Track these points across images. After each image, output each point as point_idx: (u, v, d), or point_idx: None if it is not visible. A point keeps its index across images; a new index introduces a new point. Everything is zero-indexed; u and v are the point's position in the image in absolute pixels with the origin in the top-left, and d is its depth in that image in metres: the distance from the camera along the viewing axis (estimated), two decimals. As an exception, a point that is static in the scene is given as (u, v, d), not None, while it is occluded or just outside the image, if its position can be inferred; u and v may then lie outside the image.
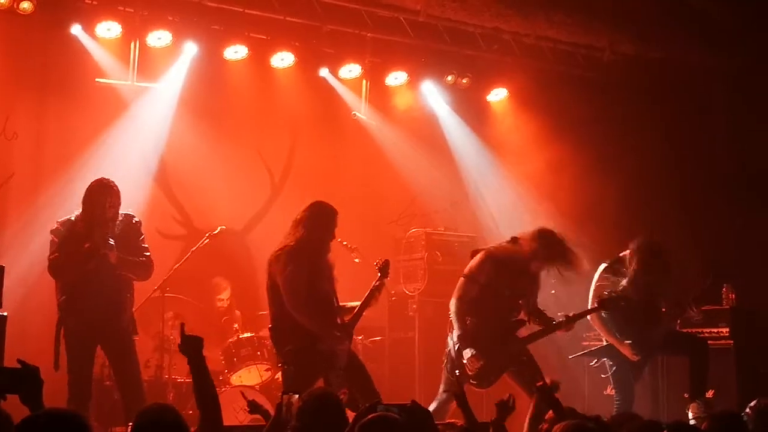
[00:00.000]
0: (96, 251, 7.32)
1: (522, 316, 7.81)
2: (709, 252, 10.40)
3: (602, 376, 8.52)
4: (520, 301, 7.78)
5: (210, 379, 4.71)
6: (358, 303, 7.40)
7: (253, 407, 5.46)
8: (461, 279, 7.76)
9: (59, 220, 7.60)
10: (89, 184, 7.53)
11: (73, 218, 7.54)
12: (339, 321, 7.29)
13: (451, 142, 11.37)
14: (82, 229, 7.42)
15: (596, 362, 8.54)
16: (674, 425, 5.02)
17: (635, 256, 8.13)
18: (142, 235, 7.74)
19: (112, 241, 7.37)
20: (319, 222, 7.26)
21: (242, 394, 6.16)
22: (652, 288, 8.14)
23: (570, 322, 7.81)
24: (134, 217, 7.74)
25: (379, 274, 7.42)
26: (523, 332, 7.87)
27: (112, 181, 7.50)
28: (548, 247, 7.67)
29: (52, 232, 7.55)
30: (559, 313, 8.02)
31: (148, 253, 7.73)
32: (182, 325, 4.87)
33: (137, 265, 7.61)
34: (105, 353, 7.71)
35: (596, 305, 7.95)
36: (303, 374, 7.00)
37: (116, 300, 7.49)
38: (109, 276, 7.41)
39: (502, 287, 7.66)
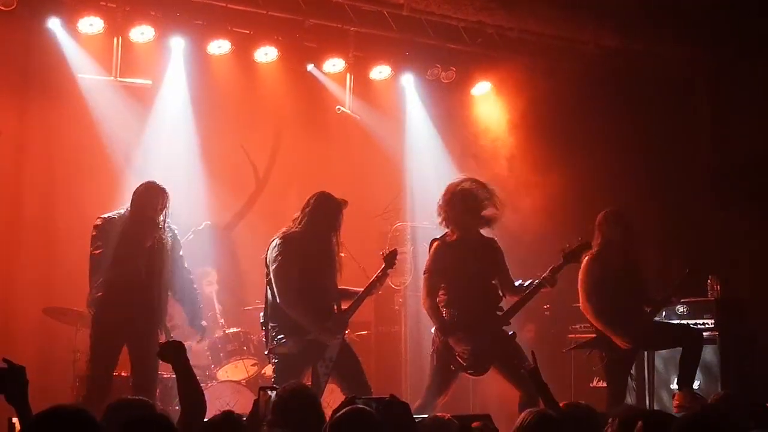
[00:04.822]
0: (156, 252, 7.30)
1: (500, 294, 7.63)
2: (691, 245, 10.40)
3: (593, 368, 8.48)
4: (494, 281, 7.62)
5: (196, 384, 4.65)
6: (360, 289, 7.37)
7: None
8: (423, 276, 7.64)
9: (103, 216, 7.47)
10: (139, 186, 7.45)
11: (116, 216, 7.43)
12: (335, 311, 7.27)
13: (432, 137, 11.33)
14: (131, 229, 7.32)
15: (588, 353, 8.42)
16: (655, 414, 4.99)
17: (597, 228, 8.08)
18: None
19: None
20: (320, 212, 7.24)
21: None
22: (622, 249, 8.06)
23: (549, 280, 7.46)
24: (176, 228, 7.69)
25: (383, 264, 7.38)
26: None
27: (162, 185, 7.42)
28: (449, 204, 7.55)
29: (95, 227, 7.42)
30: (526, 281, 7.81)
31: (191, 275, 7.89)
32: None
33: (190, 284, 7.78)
34: (129, 352, 7.53)
35: (562, 260, 7.60)
36: (292, 364, 7.04)
37: (151, 302, 7.38)
38: (149, 278, 7.36)
39: (463, 268, 7.49)
